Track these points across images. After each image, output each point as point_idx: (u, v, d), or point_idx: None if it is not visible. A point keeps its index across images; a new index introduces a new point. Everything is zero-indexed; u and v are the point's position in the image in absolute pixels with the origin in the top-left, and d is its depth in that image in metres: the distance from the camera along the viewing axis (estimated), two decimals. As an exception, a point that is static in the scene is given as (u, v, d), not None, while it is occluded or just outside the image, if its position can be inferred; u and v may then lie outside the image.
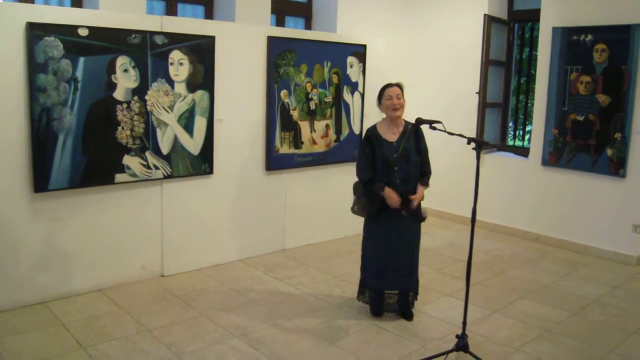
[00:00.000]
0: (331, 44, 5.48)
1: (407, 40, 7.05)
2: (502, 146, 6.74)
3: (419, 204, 3.87)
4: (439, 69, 6.87)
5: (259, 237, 5.30)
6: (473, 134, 6.28)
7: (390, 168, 3.78)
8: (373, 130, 3.91)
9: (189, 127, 4.59)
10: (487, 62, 6.33)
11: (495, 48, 6.44)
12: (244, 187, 5.10)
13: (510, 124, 6.92)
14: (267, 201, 5.31)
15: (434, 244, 5.85)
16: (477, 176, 3.27)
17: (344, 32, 6.13)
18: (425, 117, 3.62)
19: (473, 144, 3.28)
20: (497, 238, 6.17)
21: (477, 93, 6.43)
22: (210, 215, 4.92)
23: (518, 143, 7.06)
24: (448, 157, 6.36)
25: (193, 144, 4.65)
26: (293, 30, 5.45)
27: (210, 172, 4.80)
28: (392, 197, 3.75)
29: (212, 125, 4.72)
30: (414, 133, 3.88)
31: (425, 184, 3.90)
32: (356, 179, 3.96)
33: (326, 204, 5.71)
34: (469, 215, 3.32)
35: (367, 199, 3.84)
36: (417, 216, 3.87)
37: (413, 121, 3.75)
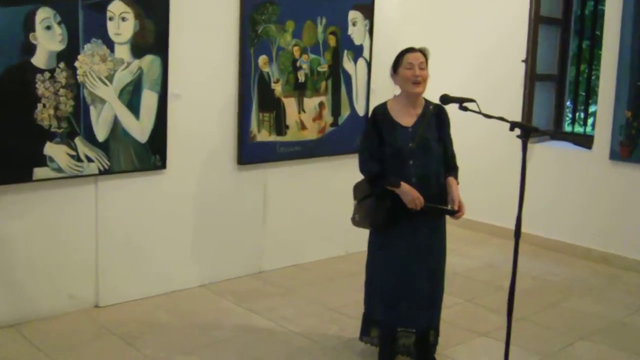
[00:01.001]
0: (327, -6, 5.51)
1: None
2: (557, 133, 6.76)
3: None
4: (472, 30, 6.88)
5: (228, 255, 5.31)
6: (518, 117, 6.31)
7: (404, 162, 3.77)
8: (382, 109, 3.90)
9: (133, 104, 4.59)
10: (537, 20, 6.35)
11: (548, 0, 6.46)
12: (208, 187, 5.11)
13: (568, 104, 6.96)
14: (239, 206, 5.32)
15: (464, 265, 5.88)
16: (524, 174, 3.27)
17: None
18: (452, 94, 3.62)
19: (518, 131, 3.28)
20: (549, 257, 6.21)
21: (523, 61, 6.45)
22: (162, 226, 4.92)
23: (578, 129, 7.10)
24: (483, 149, 6.37)
25: (139, 128, 4.64)
26: (276, -25, 5.46)
27: (163, 166, 4.80)
28: (411, 194, 3.68)
29: (165, 102, 4.72)
30: (436, 116, 3.88)
31: (456, 180, 3.89)
32: (359, 178, 3.96)
33: (319, 210, 5.73)
34: (512, 227, 3.32)
35: (372, 203, 3.82)
36: (451, 211, 3.78)
37: (436, 100, 3.75)
